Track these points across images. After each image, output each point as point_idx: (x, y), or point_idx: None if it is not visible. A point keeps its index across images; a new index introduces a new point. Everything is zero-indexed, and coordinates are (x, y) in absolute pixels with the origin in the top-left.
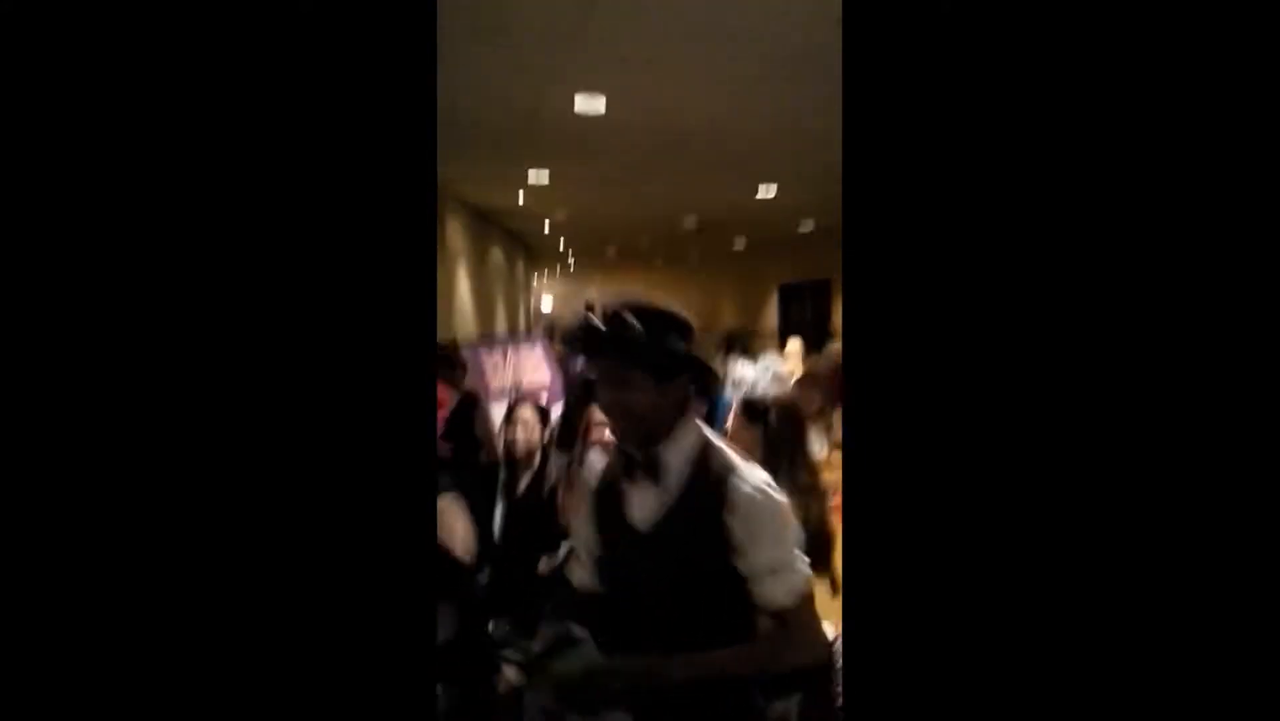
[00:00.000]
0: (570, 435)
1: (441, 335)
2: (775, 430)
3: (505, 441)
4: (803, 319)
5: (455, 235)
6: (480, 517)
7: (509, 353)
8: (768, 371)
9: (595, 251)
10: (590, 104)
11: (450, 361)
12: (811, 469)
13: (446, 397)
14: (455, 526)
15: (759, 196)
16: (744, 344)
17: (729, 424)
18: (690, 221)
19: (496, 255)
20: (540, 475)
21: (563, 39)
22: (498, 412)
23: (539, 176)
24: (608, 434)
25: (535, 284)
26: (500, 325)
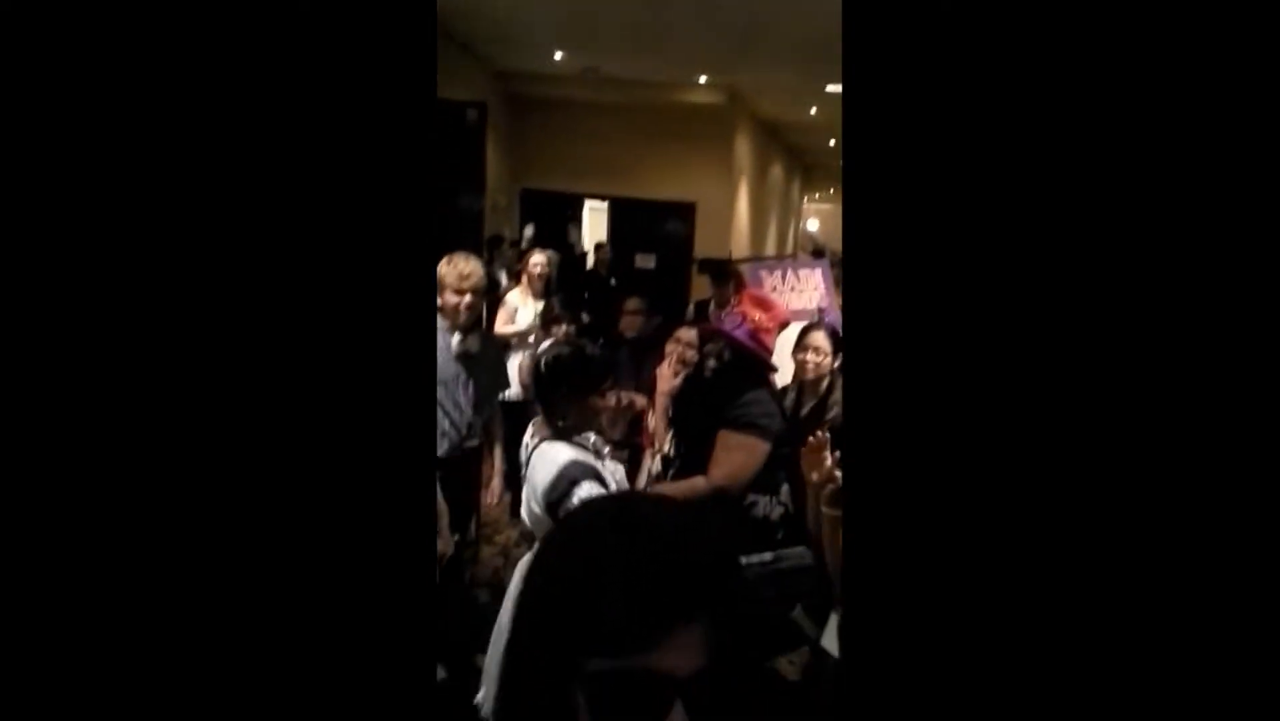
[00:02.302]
0: None
1: (718, 251)
2: None
3: (796, 364)
4: None
5: (742, 151)
6: None
7: (789, 273)
8: None
9: None
10: None
11: (725, 274)
12: None
13: (777, 312)
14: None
15: None
16: None
17: None
18: None
19: (776, 173)
20: (824, 401)
21: None
22: (787, 334)
23: (837, 88)
24: None
25: (805, 204)
26: (770, 244)
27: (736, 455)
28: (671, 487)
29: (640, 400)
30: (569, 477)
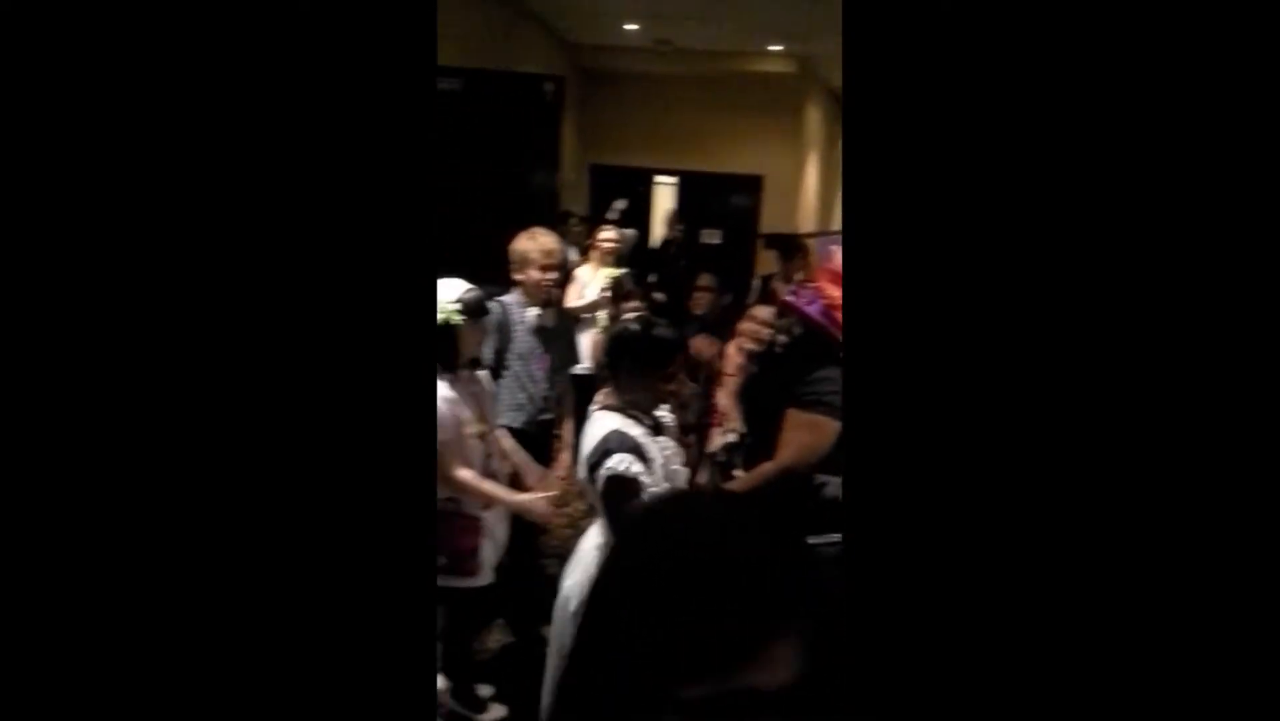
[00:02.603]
0: None
1: (785, 226)
2: None
3: None
4: None
5: (812, 122)
6: None
7: None
8: None
9: None
10: None
11: (792, 247)
12: None
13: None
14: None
15: None
16: None
17: None
18: None
19: None
20: None
21: None
22: None
23: None
24: None
25: None
26: (838, 219)
27: (803, 434)
28: (738, 484)
29: (708, 343)
30: (604, 447)
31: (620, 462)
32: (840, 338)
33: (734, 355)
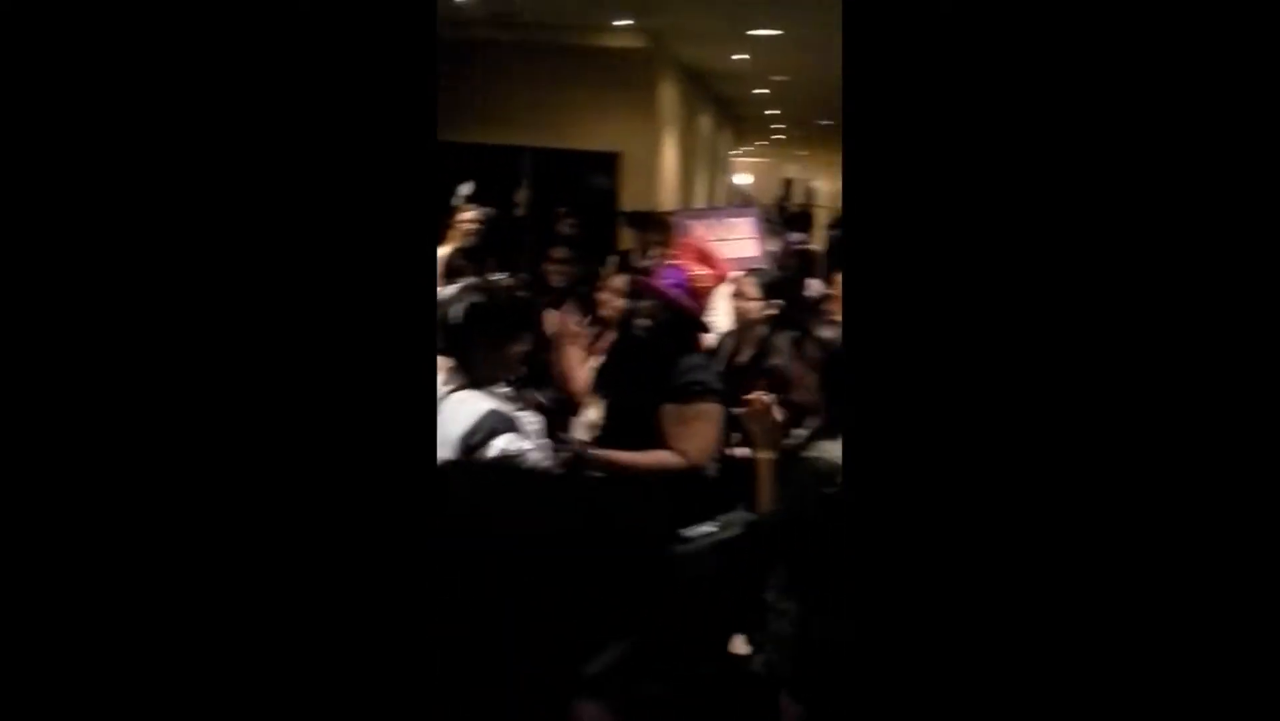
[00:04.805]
0: (796, 311)
1: (646, 204)
2: None
3: (733, 310)
4: None
5: (668, 101)
6: None
7: (717, 222)
8: None
9: (807, 122)
10: None
11: (660, 224)
12: None
13: (722, 270)
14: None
15: None
16: None
17: None
18: None
19: (705, 123)
20: (764, 348)
21: None
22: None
23: (760, 34)
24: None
25: (732, 155)
26: (700, 197)
27: (703, 426)
28: (638, 458)
29: (569, 314)
30: (488, 427)
31: (510, 443)
32: (701, 319)
33: (567, 322)
